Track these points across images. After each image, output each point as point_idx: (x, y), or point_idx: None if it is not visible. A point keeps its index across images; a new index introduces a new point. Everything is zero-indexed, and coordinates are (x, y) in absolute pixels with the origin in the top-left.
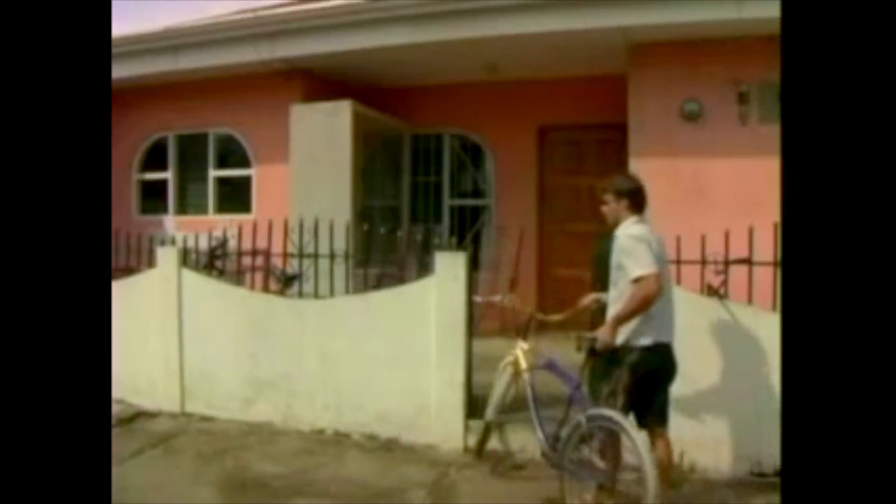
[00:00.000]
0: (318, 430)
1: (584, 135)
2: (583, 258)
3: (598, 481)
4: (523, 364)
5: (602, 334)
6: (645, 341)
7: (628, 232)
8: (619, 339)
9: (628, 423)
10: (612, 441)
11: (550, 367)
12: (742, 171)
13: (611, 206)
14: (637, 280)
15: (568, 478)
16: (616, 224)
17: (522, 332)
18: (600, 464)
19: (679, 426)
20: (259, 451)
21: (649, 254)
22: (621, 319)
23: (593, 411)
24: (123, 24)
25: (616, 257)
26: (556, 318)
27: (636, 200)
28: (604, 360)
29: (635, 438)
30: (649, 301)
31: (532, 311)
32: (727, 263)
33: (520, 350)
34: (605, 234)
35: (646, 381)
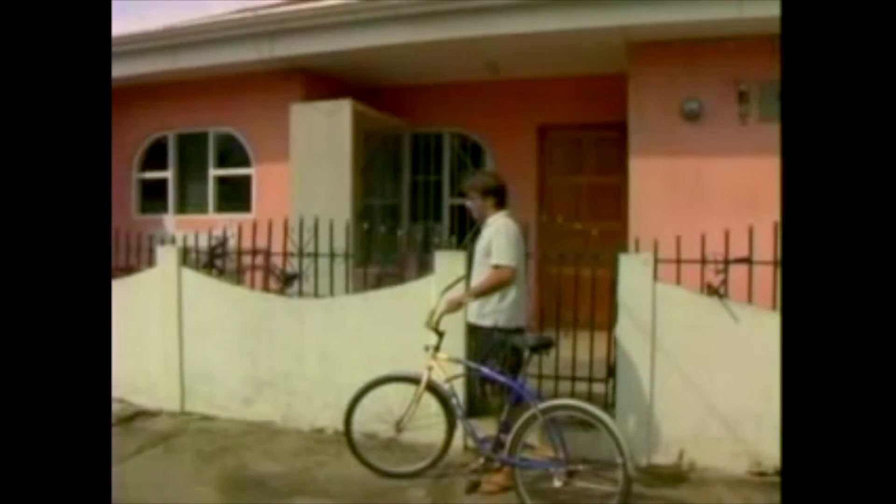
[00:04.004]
0: (317, 429)
1: (584, 134)
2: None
3: (567, 469)
4: (442, 375)
5: (455, 296)
6: (514, 324)
7: (506, 223)
8: (490, 322)
9: (596, 408)
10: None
11: (479, 373)
12: (742, 170)
13: (476, 203)
14: (497, 267)
15: (522, 477)
16: (482, 218)
17: (437, 344)
18: (558, 453)
19: (679, 425)
20: (259, 450)
21: (512, 249)
22: (476, 293)
23: (549, 403)
24: (123, 23)
25: (486, 244)
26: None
27: (501, 198)
28: (485, 343)
29: (608, 422)
30: (501, 286)
31: (435, 327)
32: (727, 263)
33: (434, 362)
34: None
35: (515, 356)
